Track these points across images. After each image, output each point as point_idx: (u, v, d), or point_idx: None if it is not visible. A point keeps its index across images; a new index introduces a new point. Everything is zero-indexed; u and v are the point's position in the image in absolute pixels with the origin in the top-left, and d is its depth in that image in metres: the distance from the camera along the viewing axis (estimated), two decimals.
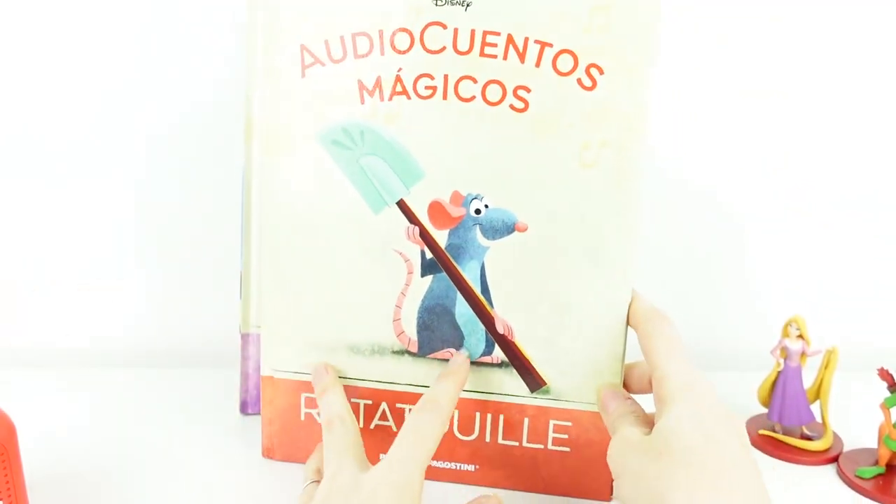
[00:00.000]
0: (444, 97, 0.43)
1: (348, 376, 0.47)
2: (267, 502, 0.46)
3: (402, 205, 0.44)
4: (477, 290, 0.45)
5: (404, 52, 0.42)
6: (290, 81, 0.44)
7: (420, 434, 0.39)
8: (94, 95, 0.64)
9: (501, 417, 0.46)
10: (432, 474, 0.48)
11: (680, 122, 0.65)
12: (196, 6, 0.63)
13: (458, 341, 0.45)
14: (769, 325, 0.57)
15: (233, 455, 0.51)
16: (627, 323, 0.43)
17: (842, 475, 0.51)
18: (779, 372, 0.54)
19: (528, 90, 0.42)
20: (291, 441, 0.50)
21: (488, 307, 0.45)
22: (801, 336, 0.53)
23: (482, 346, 0.45)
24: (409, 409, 0.47)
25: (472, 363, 0.46)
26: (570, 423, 0.46)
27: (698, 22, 0.63)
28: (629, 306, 0.43)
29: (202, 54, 0.64)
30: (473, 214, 0.44)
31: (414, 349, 0.46)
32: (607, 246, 0.43)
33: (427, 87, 0.43)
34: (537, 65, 0.41)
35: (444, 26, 0.42)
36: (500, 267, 0.44)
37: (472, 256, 0.44)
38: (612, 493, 0.46)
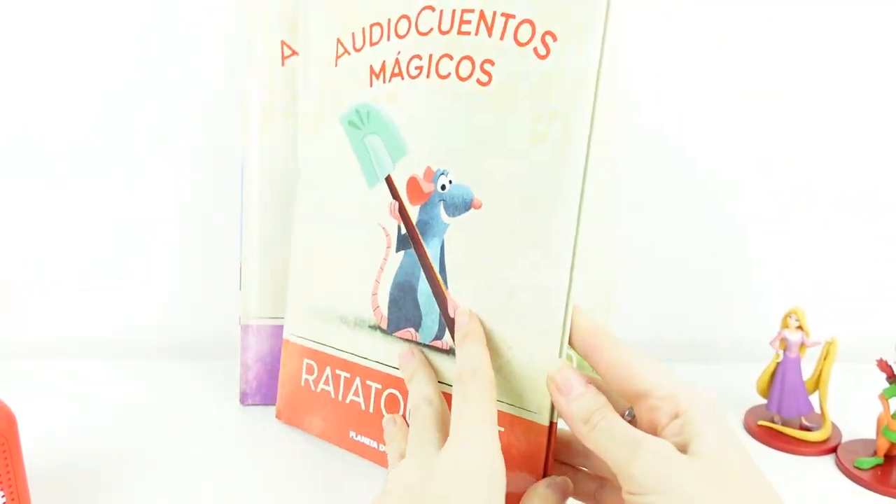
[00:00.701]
0: (428, 76, 0.44)
1: (335, 346, 0.49)
2: (266, 496, 0.47)
3: (388, 180, 0.46)
4: (436, 268, 0.43)
5: (403, 37, 0.45)
6: (326, 70, 0.50)
7: (473, 404, 0.36)
8: (94, 95, 0.64)
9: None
10: (381, 458, 0.47)
11: (680, 121, 0.66)
12: (196, 6, 0.63)
13: (417, 321, 0.44)
14: (769, 318, 0.57)
15: (232, 447, 0.52)
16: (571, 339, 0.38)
17: (840, 466, 0.51)
18: (778, 363, 0.55)
19: (493, 63, 0.41)
20: (293, 405, 0.52)
21: (444, 287, 0.43)
22: (800, 327, 0.53)
23: (435, 329, 0.43)
24: (375, 389, 0.47)
25: (424, 346, 0.44)
26: (502, 429, 0.40)
27: (696, 21, 0.63)
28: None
29: (202, 54, 0.64)
30: (440, 190, 0.43)
31: (384, 325, 0.46)
32: (550, 227, 0.38)
33: (416, 68, 0.45)
34: (501, 37, 0.40)
35: (433, 9, 0.44)
36: (455, 246, 0.42)
37: (435, 233, 0.43)
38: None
